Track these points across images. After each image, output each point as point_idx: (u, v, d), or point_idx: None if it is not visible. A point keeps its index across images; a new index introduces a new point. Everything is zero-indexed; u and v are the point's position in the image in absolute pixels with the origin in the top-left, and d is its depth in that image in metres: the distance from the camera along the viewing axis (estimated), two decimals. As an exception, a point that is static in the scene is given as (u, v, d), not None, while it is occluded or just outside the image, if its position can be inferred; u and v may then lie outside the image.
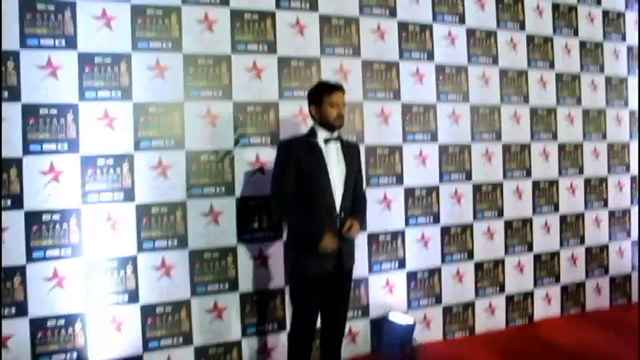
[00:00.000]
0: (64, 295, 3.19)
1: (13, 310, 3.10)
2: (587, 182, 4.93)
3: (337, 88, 3.03)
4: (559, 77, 4.76)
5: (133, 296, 3.34)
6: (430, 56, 4.21)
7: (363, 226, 3.10)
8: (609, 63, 5.03)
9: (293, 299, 3.06)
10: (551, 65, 4.73)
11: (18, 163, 3.11)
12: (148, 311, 3.38)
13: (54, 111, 3.18)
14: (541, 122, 4.68)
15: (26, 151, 3.12)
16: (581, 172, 4.89)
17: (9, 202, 3.09)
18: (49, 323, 3.17)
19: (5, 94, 3.10)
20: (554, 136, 4.75)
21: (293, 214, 2.96)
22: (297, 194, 2.93)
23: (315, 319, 3.03)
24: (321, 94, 3.02)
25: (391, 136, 4.04)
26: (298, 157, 2.94)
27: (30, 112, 3.13)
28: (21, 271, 3.11)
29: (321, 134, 3.01)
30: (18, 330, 3.10)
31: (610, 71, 5.03)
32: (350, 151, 3.09)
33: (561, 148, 4.78)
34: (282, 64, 3.71)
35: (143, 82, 3.36)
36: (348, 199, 3.01)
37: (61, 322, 3.19)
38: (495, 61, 4.47)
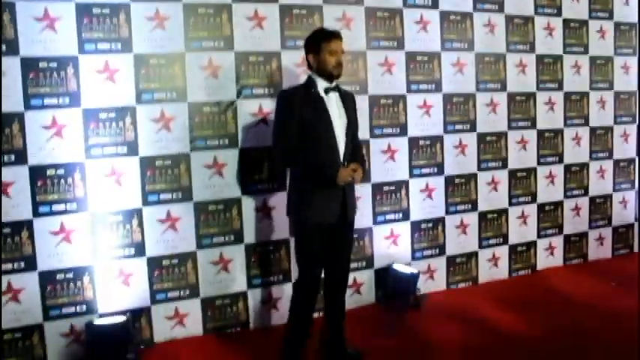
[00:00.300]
0: (72, 249, 3.29)
1: (22, 264, 3.20)
2: (593, 132, 5.00)
3: (336, 35, 3.04)
4: (566, 24, 4.76)
5: (140, 249, 3.45)
6: (435, 3, 4.19)
7: (364, 173, 3.16)
8: (619, 8, 5.01)
9: (298, 251, 3.14)
10: (559, 11, 4.72)
11: (20, 117, 3.15)
12: (154, 264, 3.49)
13: (54, 64, 3.19)
14: (547, 71, 4.71)
15: (27, 105, 3.16)
16: (586, 121, 4.95)
17: (13, 157, 3.15)
18: (58, 276, 3.28)
19: (3, 47, 3.10)
20: (560, 86, 4.78)
21: (300, 160, 2.99)
22: (300, 145, 2.97)
23: (320, 270, 3.12)
24: (320, 42, 3.02)
25: (395, 85, 4.08)
26: (300, 108, 2.96)
27: (29, 65, 3.15)
28: (28, 225, 3.20)
29: (321, 84, 3.03)
30: (28, 283, 3.22)
31: (620, 17, 5.01)
32: (347, 101, 3.13)
33: (567, 97, 4.82)
34: (283, 12, 3.70)
35: (143, 33, 3.37)
36: (350, 148, 3.07)
37: (70, 275, 3.31)
38: (501, 7, 4.46)
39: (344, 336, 3.26)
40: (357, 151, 3.18)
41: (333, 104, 3.03)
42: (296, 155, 2.98)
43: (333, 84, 3.06)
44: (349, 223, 3.14)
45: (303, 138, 2.96)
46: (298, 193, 3.08)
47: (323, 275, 3.20)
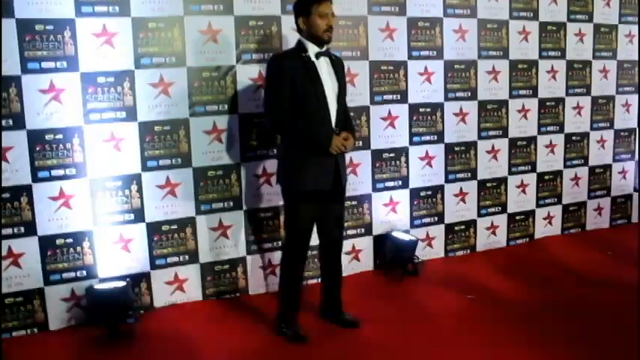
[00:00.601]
0: (71, 214, 3.33)
1: (22, 229, 3.24)
2: (594, 101, 5.02)
3: None
4: (571, -10, 4.76)
5: (139, 215, 3.50)
6: (437, -32, 4.18)
7: (355, 142, 3.19)
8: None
9: (289, 218, 3.20)
10: (564, -22, 4.71)
11: (17, 81, 3.14)
12: (153, 229, 3.55)
13: (50, 27, 3.18)
14: (550, 39, 4.71)
15: (24, 69, 3.15)
16: (588, 91, 4.97)
17: (10, 121, 3.16)
18: (58, 241, 3.33)
19: (-1, 8, 3.09)
20: (563, 54, 4.79)
21: (293, 127, 3.01)
22: (292, 111, 2.98)
23: (309, 236, 3.18)
24: (310, 5, 2.98)
25: (396, 52, 4.08)
26: (292, 73, 2.96)
27: (25, 27, 3.13)
28: (27, 190, 3.23)
29: (312, 48, 3.03)
30: (28, 248, 3.27)
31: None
32: (337, 66, 3.13)
33: (569, 65, 4.83)
34: (283, -24, 3.69)
35: (141, -4, 3.36)
36: (341, 114, 3.09)
37: (70, 240, 3.35)
38: (505, -27, 4.45)
39: (341, 300, 3.35)
40: (347, 118, 3.21)
41: (324, 69, 3.04)
42: (288, 121, 2.99)
43: (324, 49, 3.05)
44: (342, 187, 3.19)
45: (294, 104, 2.97)
46: (290, 160, 3.10)
47: (318, 241, 3.29)
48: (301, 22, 3.04)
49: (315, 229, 3.23)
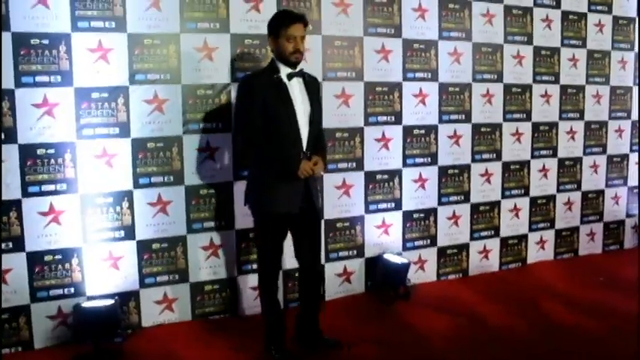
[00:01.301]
0: (61, 230, 3.37)
1: (10, 244, 3.28)
2: (587, 126, 5.15)
3: (297, 19, 3.02)
4: (565, 16, 4.90)
5: (129, 232, 3.54)
6: (434, -10, 4.33)
7: (325, 166, 3.20)
8: (618, 2, 5.15)
9: (259, 239, 3.26)
10: (558, 3, 4.86)
11: (10, 95, 3.20)
12: (144, 247, 3.59)
13: (45, 41, 3.25)
14: (544, 63, 4.85)
15: (18, 83, 3.22)
16: (581, 116, 5.11)
17: (2, 135, 3.20)
18: (47, 258, 3.36)
19: (-6, 22, 3.15)
20: (557, 79, 4.93)
21: (263, 146, 3.02)
22: (263, 131, 3.01)
23: (279, 259, 3.26)
24: (279, 27, 3.01)
25: (391, 73, 4.19)
26: (263, 93, 2.98)
27: (21, 42, 3.20)
28: (17, 205, 3.27)
29: (284, 70, 3.06)
30: (15, 264, 3.30)
31: (619, 11, 5.16)
32: (312, 87, 3.17)
33: (563, 90, 4.98)
34: (280, -5, 3.80)
35: (138, 13, 3.43)
36: (313, 136, 3.12)
37: (58, 257, 3.39)
38: (500, -3, 4.61)
39: (319, 325, 3.38)
40: (319, 141, 3.22)
41: (296, 91, 3.07)
42: (259, 138, 3.01)
43: (297, 69, 3.09)
44: (316, 212, 3.23)
45: (265, 124, 3.00)
46: (259, 182, 3.14)
47: (298, 265, 3.35)
48: (270, 43, 3.10)
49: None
